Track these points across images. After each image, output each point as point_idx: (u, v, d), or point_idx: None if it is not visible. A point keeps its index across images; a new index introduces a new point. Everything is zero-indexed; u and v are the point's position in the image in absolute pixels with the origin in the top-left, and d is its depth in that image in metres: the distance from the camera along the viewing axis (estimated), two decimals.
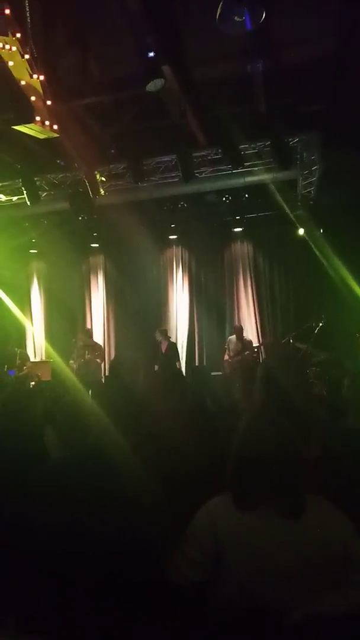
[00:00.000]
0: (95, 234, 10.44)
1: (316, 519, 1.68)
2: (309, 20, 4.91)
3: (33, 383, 8.18)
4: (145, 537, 1.69)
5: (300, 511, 1.67)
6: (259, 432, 1.78)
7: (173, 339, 9.84)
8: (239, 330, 9.02)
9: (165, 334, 9.49)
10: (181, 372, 8.00)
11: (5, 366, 9.12)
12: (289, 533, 1.65)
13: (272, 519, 1.66)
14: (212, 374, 8.60)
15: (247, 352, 8.73)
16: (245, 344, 8.87)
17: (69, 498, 1.73)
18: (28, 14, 4.36)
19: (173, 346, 9.45)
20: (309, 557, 1.63)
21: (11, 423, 2.75)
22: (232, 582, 1.68)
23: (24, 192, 7.96)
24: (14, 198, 8.45)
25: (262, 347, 9.34)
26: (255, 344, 9.45)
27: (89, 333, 9.77)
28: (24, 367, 9.12)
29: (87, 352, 9.05)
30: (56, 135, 4.87)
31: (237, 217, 9.67)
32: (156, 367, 9.04)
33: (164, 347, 9.24)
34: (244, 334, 9.13)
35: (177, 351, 9.59)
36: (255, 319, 10.20)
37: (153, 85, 4.96)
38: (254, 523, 1.67)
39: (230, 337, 9.15)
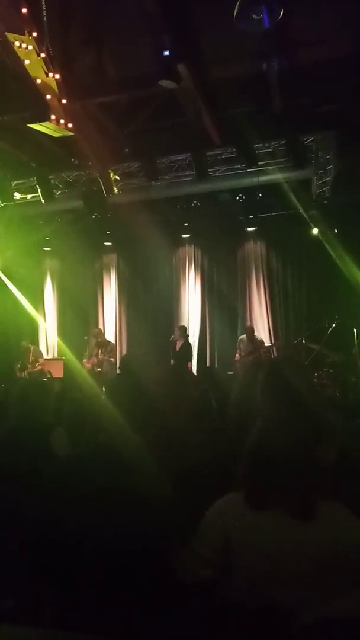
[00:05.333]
0: (108, 232, 10.48)
1: (328, 522, 1.66)
2: (326, 19, 4.88)
3: (45, 380, 8.25)
4: (155, 534, 1.70)
5: (312, 513, 1.66)
6: (272, 432, 1.78)
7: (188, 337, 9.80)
8: (250, 331, 8.99)
9: (183, 331, 9.47)
10: (190, 370, 8.01)
11: (19, 363, 9.21)
12: (300, 534, 1.64)
13: (283, 519, 1.65)
14: (229, 373, 8.64)
15: (259, 351, 8.69)
16: (257, 344, 8.83)
17: (80, 494, 1.74)
18: (45, 13, 4.39)
19: (188, 345, 9.45)
20: (319, 559, 1.62)
21: (25, 417, 2.77)
22: (241, 581, 1.68)
23: (39, 190, 8.03)
24: (29, 196, 8.52)
25: (274, 347, 9.30)
26: (267, 343, 9.41)
27: (101, 332, 9.82)
28: (37, 364, 9.20)
29: (100, 350, 9.09)
30: (71, 133, 4.91)
31: (250, 216, 9.63)
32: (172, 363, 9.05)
33: (178, 345, 9.24)
34: (256, 334, 9.10)
35: (191, 350, 9.59)
36: (268, 318, 10.16)
37: (166, 82, 4.98)
38: (265, 523, 1.67)
39: (241, 337, 9.13)
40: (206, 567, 1.72)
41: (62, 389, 5.62)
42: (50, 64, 4.55)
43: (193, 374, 8.64)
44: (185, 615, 1.69)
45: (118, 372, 9.26)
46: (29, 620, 1.68)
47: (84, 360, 9.17)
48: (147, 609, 1.65)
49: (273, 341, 9.84)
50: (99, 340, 9.24)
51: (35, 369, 9.13)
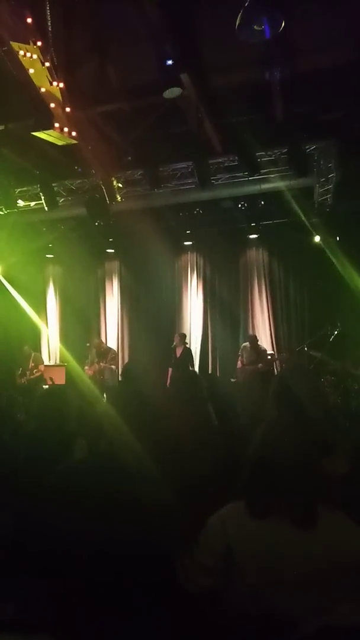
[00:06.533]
0: (111, 240, 10.53)
1: (330, 530, 1.66)
2: (328, 28, 4.91)
3: (46, 386, 8.24)
4: (157, 541, 1.69)
5: (313, 522, 1.66)
6: (274, 441, 1.78)
7: (187, 345, 9.85)
8: (254, 340, 8.97)
9: (183, 338, 9.51)
10: (197, 373, 8.00)
11: (20, 369, 9.22)
12: (302, 543, 1.63)
13: (285, 528, 1.65)
14: (231, 380, 8.64)
15: (262, 363, 8.67)
16: (260, 354, 8.81)
17: (82, 501, 1.74)
18: (49, 23, 4.44)
19: (188, 352, 9.46)
20: (321, 568, 1.61)
21: (46, 426, 2.75)
22: (243, 590, 1.67)
23: (42, 197, 8.07)
24: (32, 203, 8.56)
25: (277, 360, 9.28)
26: (270, 351, 9.40)
27: (102, 342, 9.83)
28: (35, 371, 9.20)
29: (101, 360, 9.09)
30: (74, 141, 4.93)
31: (252, 224, 9.67)
32: (170, 371, 9.05)
33: (178, 352, 9.25)
34: (259, 343, 9.08)
35: (192, 357, 9.60)
36: (270, 326, 10.16)
37: (170, 93, 5.01)
38: (267, 531, 1.66)
39: (244, 344, 9.11)
40: (208, 575, 1.72)
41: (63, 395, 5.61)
42: (55, 72, 4.59)
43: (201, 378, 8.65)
44: (187, 623, 1.68)
45: (120, 379, 9.28)
46: (29, 626, 1.67)
47: (86, 367, 9.18)
48: (149, 616, 1.64)
49: (275, 348, 9.83)
50: (100, 349, 9.25)
51: (33, 376, 9.13)
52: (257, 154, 7.14)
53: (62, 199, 8.54)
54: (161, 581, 1.70)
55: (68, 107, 4.69)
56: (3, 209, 8.63)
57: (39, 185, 8.05)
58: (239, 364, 8.91)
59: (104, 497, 1.73)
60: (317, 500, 1.70)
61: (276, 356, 9.43)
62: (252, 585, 1.65)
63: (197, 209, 9.19)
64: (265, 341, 9.82)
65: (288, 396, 2.58)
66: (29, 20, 4.34)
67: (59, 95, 4.62)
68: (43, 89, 4.52)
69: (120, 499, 1.74)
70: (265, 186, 7.75)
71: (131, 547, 1.64)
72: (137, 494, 1.76)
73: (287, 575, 1.61)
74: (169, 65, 4.82)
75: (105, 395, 5.86)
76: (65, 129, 4.66)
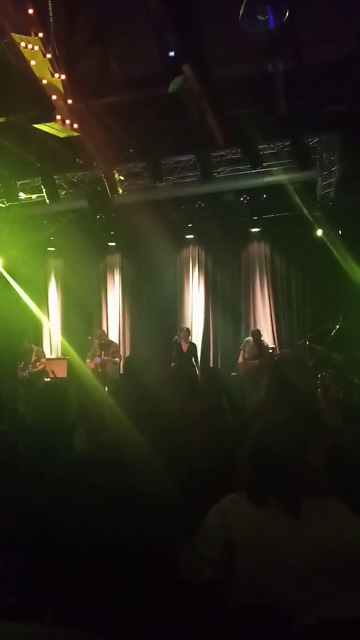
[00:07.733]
0: (112, 233, 10.51)
1: (331, 521, 1.66)
2: (332, 20, 4.88)
3: (48, 379, 8.26)
4: (157, 533, 1.70)
5: (312, 512, 1.66)
6: (272, 430, 1.78)
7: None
8: (257, 334, 8.96)
9: (189, 333, 9.54)
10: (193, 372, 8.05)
11: (22, 362, 9.24)
12: (303, 533, 1.64)
13: (286, 518, 1.65)
14: (232, 374, 8.67)
15: (264, 358, 8.66)
16: (262, 349, 8.80)
17: (82, 493, 1.75)
18: (51, 14, 4.41)
19: (193, 346, 9.49)
20: (323, 559, 1.61)
21: (46, 413, 2.75)
22: (244, 581, 1.67)
23: (44, 190, 8.06)
24: (34, 196, 8.55)
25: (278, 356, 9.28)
26: (272, 345, 9.40)
27: (104, 333, 9.84)
28: (38, 364, 9.22)
29: (103, 352, 9.11)
30: (76, 134, 4.92)
31: (254, 218, 9.64)
32: (172, 365, 9.07)
33: (184, 346, 9.27)
34: (262, 338, 9.08)
35: (197, 350, 9.62)
36: (271, 319, 10.15)
37: (174, 85, 4.98)
38: (267, 522, 1.67)
39: (247, 339, 9.10)
40: (208, 567, 1.72)
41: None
42: (56, 64, 4.57)
43: (197, 373, 8.73)
44: (187, 615, 1.69)
45: (121, 372, 9.29)
46: (30, 618, 1.69)
47: (87, 360, 9.19)
48: (149, 608, 1.65)
49: (276, 342, 9.83)
50: (102, 341, 9.26)
51: (36, 369, 9.16)
52: (260, 146, 7.11)
53: (64, 192, 8.52)
54: (161, 573, 1.70)
55: (70, 99, 4.68)
56: (4, 202, 8.61)
57: (40, 178, 8.04)
58: (240, 358, 8.91)
59: (104, 488, 1.74)
60: (315, 490, 1.70)
61: (278, 351, 9.43)
62: (253, 576, 1.65)
63: (199, 202, 9.15)
64: (267, 335, 9.81)
65: (281, 384, 2.59)
66: (31, 11, 4.32)
67: (60, 87, 4.60)
68: (44, 81, 4.50)
69: (120, 491, 1.75)
70: (268, 179, 7.72)
71: (131, 539, 1.64)
72: (137, 486, 1.77)
73: (287, 566, 1.62)
74: (171, 56, 4.79)
75: (107, 388, 5.87)
76: (67, 121, 4.65)
